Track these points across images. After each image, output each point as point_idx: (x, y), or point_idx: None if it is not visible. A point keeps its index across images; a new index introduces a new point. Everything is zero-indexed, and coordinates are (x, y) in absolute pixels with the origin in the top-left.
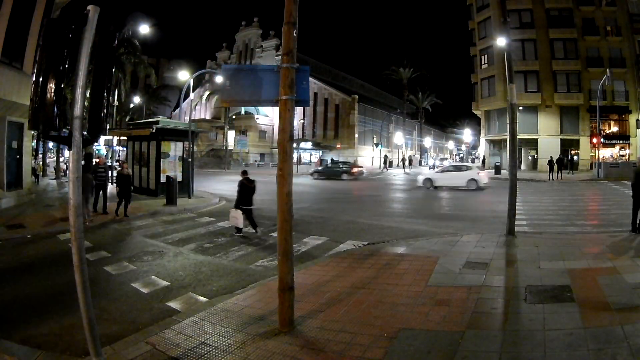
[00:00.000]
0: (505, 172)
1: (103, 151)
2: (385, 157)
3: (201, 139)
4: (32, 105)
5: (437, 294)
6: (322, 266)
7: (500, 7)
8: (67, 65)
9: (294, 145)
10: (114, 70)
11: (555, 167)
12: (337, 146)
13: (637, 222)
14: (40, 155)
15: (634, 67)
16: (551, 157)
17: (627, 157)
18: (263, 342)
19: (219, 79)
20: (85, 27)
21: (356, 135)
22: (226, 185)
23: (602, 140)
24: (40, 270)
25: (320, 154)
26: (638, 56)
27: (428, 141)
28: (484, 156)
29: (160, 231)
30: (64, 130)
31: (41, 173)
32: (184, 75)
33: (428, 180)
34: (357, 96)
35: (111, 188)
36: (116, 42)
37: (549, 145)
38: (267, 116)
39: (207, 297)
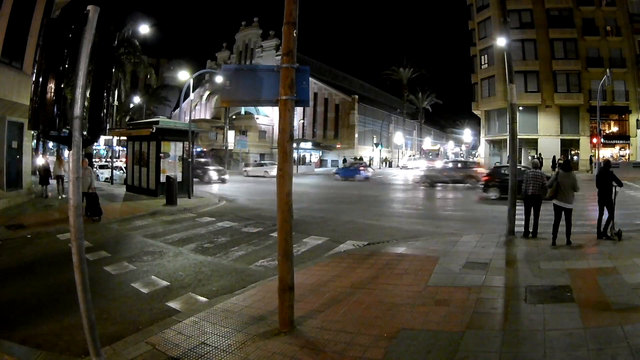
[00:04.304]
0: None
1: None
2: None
3: (201, 139)
4: (32, 105)
5: (437, 294)
6: (322, 266)
7: (500, 7)
8: (67, 65)
9: (294, 145)
10: (114, 70)
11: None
12: (337, 146)
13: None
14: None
15: (634, 67)
16: (554, 156)
17: (627, 157)
18: (263, 342)
19: (219, 79)
20: (85, 27)
21: (356, 135)
22: (226, 185)
23: (602, 140)
24: (40, 270)
25: (320, 154)
26: (638, 56)
27: (428, 141)
28: (558, 157)
29: (160, 231)
30: (64, 130)
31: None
32: (184, 75)
33: None
34: (357, 96)
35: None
36: (116, 42)
37: (549, 145)
38: (267, 116)
39: (207, 297)
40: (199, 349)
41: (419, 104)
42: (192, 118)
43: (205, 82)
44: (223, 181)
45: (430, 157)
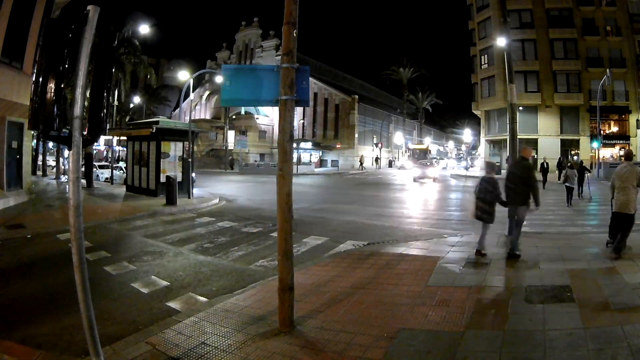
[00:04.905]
0: (505, 172)
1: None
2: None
3: (201, 139)
4: (32, 105)
5: (437, 294)
6: (322, 266)
7: (500, 7)
8: (67, 65)
9: (294, 145)
10: (114, 70)
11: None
12: (337, 146)
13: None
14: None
15: (634, 67)
16: (560, 158)
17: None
18: (263, 342)
19: (219, 79)
20: (85, 27)
21: (356, 135)
22: (226, 185)
23: (602, 140)
24: (40, 270)
25: (320, 154)
26: (638, 56)
27: (428, 141)
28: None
29: (160, 231)
30: (64, 130)
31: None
32: (184, 75)
33: None
34: (357, 96)
35: None
36: (116, 42)
37: (549, 146)
38: (267, 116)
39: (207, 297)
40: (199, 349)
41: (419, 104)
42: (192, 118)
43: (205, 82)
44: None
45: (416, 156)
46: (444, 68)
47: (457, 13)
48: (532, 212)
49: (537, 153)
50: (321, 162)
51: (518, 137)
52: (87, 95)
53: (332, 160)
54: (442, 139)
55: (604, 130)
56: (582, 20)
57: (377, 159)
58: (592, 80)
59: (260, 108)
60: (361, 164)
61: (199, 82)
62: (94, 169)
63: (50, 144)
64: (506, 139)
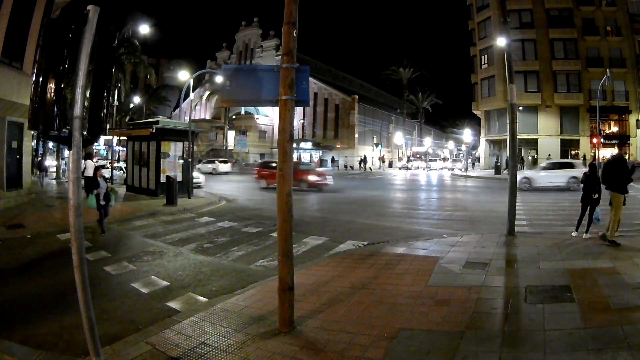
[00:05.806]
0: (505, 172)
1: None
2: (364, 157)
3: (201, 139)
4: (32, 105)
5: (437, 294)
6: (322, 266)
7: (500, 7)
8: (67, 65)
9: (294, 145)
10: (114, 70)
11: None
12: (337, 146)
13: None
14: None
15: (634, 67)
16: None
17: (627, 157)
18: (263, 342)
19: (219, 79)
20: (85, 27)
21: (356, 135)
22: (226, 186)
23: (602, 140)
24: (40, 270)
25: (320, 154)
26: (638, 56)
27: (428, 141)
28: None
29: (160, 231)
30: (64, 130)
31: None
32: (184, 75)
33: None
34: (357, 96)
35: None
36: (116, 42)
37: (549, 146)
38: (267, 116)
39: (207, 297)
40: (199, 349)
41: (419, 104)
42: (192, 118)
43: (205, 82)
44: None
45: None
46: (444, 68)
47: (457, 13)
48: None
49: (537, 153)
50: (321, 162)
51: (518, 137)
52: (87, 95)
53: (331, 160)
54: (442, 139)
55: (604, 130)
56: (582, 20)
57: (382, 159)
58: (592, 80)
59: (260, 108)
60: (365, 163)
61: (199, 82)
62: None
63: (50, 144)
64: (506, 139)
